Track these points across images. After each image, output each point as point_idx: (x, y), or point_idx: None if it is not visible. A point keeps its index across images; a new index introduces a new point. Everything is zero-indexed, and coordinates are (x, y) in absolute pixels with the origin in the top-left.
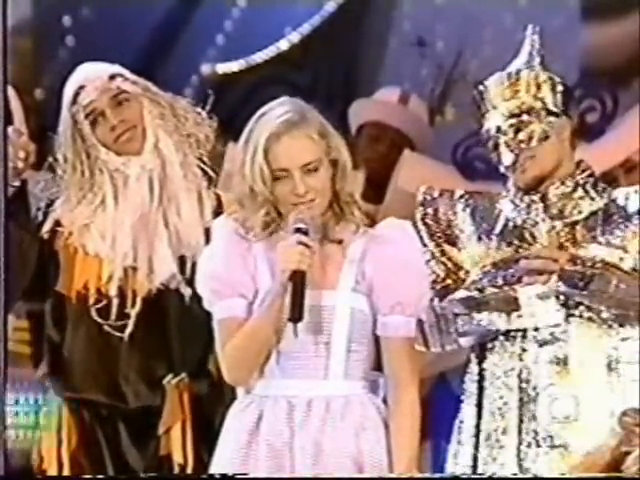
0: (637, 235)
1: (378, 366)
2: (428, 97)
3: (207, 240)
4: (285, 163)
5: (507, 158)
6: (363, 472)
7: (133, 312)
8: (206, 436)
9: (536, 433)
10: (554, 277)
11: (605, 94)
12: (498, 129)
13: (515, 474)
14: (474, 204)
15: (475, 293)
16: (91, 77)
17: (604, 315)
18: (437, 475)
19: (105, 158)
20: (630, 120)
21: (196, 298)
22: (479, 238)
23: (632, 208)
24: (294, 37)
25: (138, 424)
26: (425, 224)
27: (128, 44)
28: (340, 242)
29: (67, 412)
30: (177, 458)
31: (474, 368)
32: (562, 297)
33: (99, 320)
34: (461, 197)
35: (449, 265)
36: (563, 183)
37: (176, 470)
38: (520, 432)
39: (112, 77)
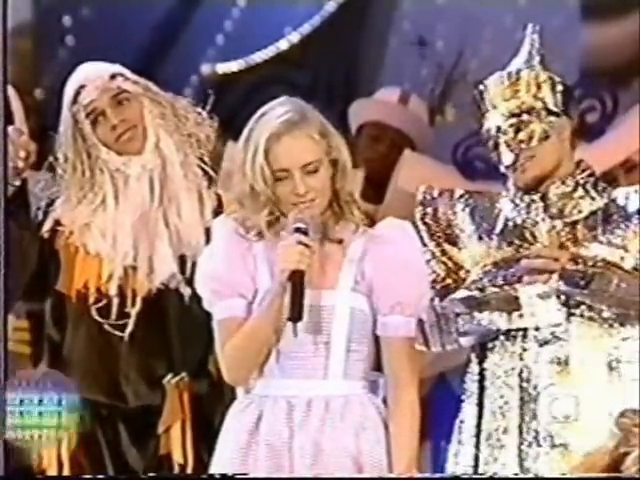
0: (637, 234)
1: (378, 366)
2: (428, 97)
3: (207, 240)
4: (286, 163)
5: (507, 158)
6: (363, 472)
7: (133, 311)
8: (206, 436)
9: (537, 433)
10: (555, 276)
11: (605, 94)
12: (498, 129)
13: (516, 474)
14: (474, 204)
15: (476, 292)
16: (92, 76)
17: (605, 314)
18: (437, 475)
19: (106, 158)
20: (630, 120)
21: (196, 298)
22: (479, 237)
23: (632, 208)
24: (294, 37)
25: (138, 424)
26: (425, 224)
27: (128, 44)
28: (340, 242)
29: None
30: (177, 457)
31: (475, 368)
32: (563, 296)
33: (99, 319)
34: (461, 197)
35: (449, 265)
36: (563, 183)
37: (176, 469)
38: (521, 432)
39: (113, 77)
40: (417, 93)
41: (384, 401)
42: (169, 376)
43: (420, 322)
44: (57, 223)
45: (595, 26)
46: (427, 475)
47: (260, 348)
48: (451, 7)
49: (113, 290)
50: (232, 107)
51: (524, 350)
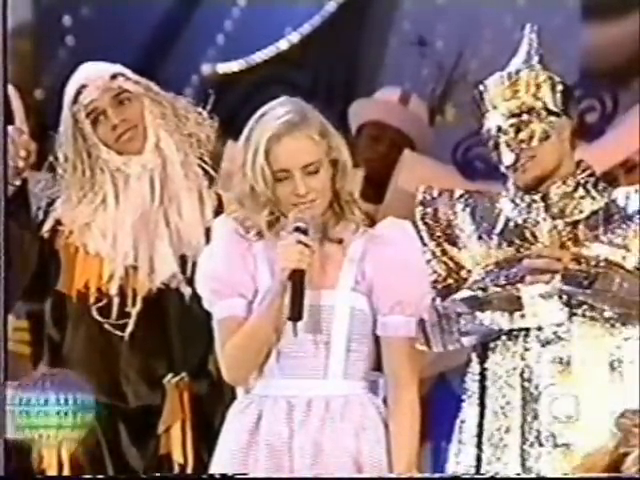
0: (638, 234)
1: (378, 366)
2: (428, 97)
3: (208, 240)
4: (286, 164)
5: (508, 158)
6: (363, 472)
7: (134, 311)
8: (206, 436)
9: (539, 432)
10: (558, 276)
11: (605, 94)
12: (499, 129)
13: (518, 474)
14: (474, 204)
15: (478, 292)
16: (92, 76)
17: (607, 314)
18: (437, 475)
19: (106, 157)
20: (630, 120)
21: (196, 298)
22: (479, 237)
23: (633, 208)
24: (294, 37)
25: (138, 423)
26: (425, 224)
27: (128, 44)
28: (340, 241)
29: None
30: (177, 457)
31: (476, 367)
32: (565, 296)
33: (100, 319)
34: (460, 197)
35: (450, 265)
36: (564, 182)
37: (176, 469)
38: (523, 431)
39: (113, 76)
40: (417, 93)
41: (384, 401)
42: (169, 376)
43: (421, 322)
44: (57, 223)
45: (595, 26)
46: (427, 475)
47: (260, 348)
48: (451, 7)
49: (113, 290)
50: (232, 107)
51: (526, 350)
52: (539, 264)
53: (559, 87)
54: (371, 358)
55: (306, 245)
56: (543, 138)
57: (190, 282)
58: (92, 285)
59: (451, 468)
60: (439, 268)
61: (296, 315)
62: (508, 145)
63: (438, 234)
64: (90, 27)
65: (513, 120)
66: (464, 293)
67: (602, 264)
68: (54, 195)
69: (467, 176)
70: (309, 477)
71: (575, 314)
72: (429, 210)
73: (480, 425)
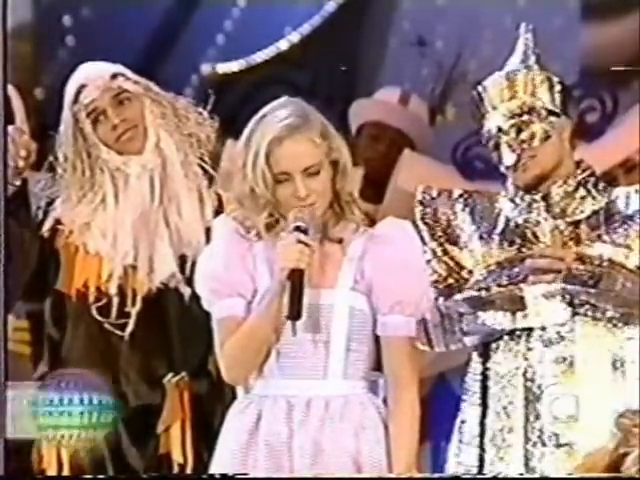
0: (639, 234)
1: (378, 366)
2: (428, 97)
3: (208, 239)
4: (287, 167)
5: (509, 158)
6: (362, 472)
7: (133, 311)
8: (206, 435)
9: (542, 432)
10: (560, 276)
11: (605, 94)
12: (499, 129)
13: (521, 474)
14: (473, 204)
15: (481, 292)
16: (93, 76)
17: (609, 314)
18: (437, 475)
19: (106, 157)
20: (630, 120)
21: (196, 297)
22: (480, 237)
23: (633, 207)
24: (294, 37)
25: (138, 423)
26: (425, 223)
27: (128, 44)
28: (340, 241)
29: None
30: (176, 457)
31: (477, 367)
32: (567, 296)
33: (99, 319)
34: (460, 196)
35: (451, 264)
36: (565, 182)
37: (175, 469)
38: (526, 431)
39: (114, 76)
40: (417, 93)
41: (384, 401)
42: (169, 376)
43: (423, 322)
44: (57, 222)
45: (595, 26)
46: (427, 475)
47: (259, 347)
48: (451, 7)
49: (113, 289)
50: (232, 107)
51: (528, 350)
52: (542, 264)
53: (557, 87)
54: (371, 358)
55: (306, 244)
56: (544, 138)
57: (190, 282)
58: (92, 284)
59: (451, 468)
60: (440, 268)
61: (295, 314)
62: (509, 145)
63: (439, 234)
64: (90, 27)
65: (513, 120)
66: (467, 293)
67: (605, 264)
68: (54, 195)
69: (467, 176)
70: (309, 477)
71: (577, 314)
72: (429, 210)
73: (482, 425)
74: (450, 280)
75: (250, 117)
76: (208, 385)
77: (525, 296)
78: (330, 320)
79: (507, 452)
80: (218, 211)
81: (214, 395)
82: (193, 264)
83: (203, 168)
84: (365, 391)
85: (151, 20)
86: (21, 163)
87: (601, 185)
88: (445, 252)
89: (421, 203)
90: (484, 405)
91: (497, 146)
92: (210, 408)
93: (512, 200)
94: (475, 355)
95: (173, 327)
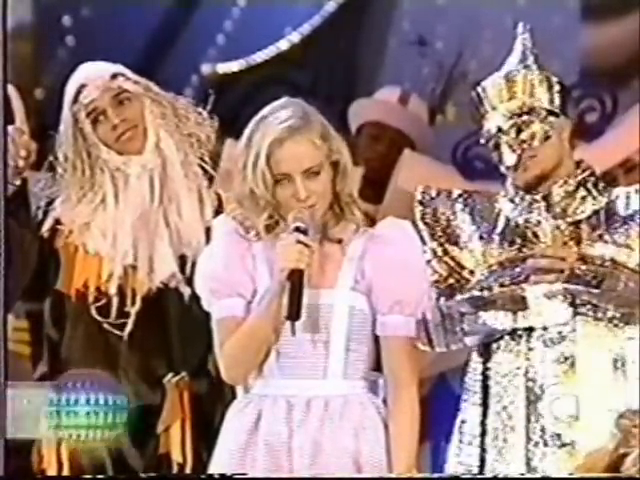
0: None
1: (378, 366)
2: (429, 96)
3: (208, 239)
4: (287, 168)
5: (510, 158)
6: (362, 472)
7: (133, 311)
8: (205, 435)
9: (543, 432)
10: (563, 275)
11: (604, 94)
12: (499, 129)
13: (522, 474)
14: (473, 204)
15: (483, 292)
16: (93, 76)
17: (610, 314)
18: (437, 475)
19: (106, 157)
20: (629, 120)
21: (196, 297)
22: (481, 237)
23: (633, 207)
24: (294, 37)
25: (137, 423)
26: (426, 224)
27: (128, 44)
28: (340, 241)
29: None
30: (176, 457)
31: (478, 367)
32: (569, 296)
33: (99, 318)
34: (459, 196)
35: (451, 264)
36: (566, 182)
37: (175, 469)
38: (527, 431)
39: (114, 76)
40: (417, 92)
41: (384, 401)
42: (169, 375)
43: (424, 322)
44: (57, 222)
45: (595, 26)
46: (427, 475)
47: (259, 347)
48: (451, 7)
49: (113, 289)
50: (232, 107)
51: (530, 350)
52: (543, 264)
53: (556, 87)
54: (371, 358)
55: (305, 245)
56: (544, 138)
57: (189, 282)
58: (91, 284)
59: (451, 468)
60: (440, 268)
61: (294, 315)
62: (510, 146)
63: (439, 234)
64: (90, 27)
65: (513, 121)
66: (468, 293)
67: (608, 263)
68: (54, 195)
69: (467, 176)
70: (308, 477)
71: (579, 313)
72: (428, 210)
73: (482, 425)
74: (451, 280)
75: (250, 117)
76: (208, 385)
77: (527, 296)
78: (330, 320)
79: (508, 452)
80: (218, 211)
81: (214, 395)
82: (193, 264)
83: (203, 168)
84: (365, 391)
85: (151, 20)
86: (21, 163)
87: (601, 185)
88: (445, 252)
89: (421, 203)
90: (485, 405)
91: (497, 146)
92: (210, 408)
93: (512, 200)
94: (475, 355)
95: (173, 327)
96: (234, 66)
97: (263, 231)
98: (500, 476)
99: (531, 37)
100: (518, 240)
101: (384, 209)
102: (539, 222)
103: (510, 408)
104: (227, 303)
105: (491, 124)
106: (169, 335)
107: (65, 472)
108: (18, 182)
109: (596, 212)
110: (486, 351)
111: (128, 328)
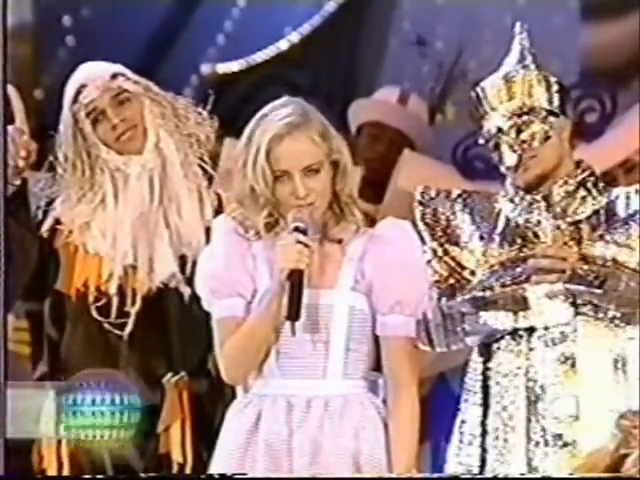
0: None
1: (378, 366)
2: (428, 96)
3: (208, 239)
4: (286, 165)
5: (510, 159)
6: (362, 472)
7: (133, 310)
8: (205, 435)
9: (544, 432)
10: (564, 276)
11: (604, 94)
12: (499, 129)
13: (523, 474)
14: (472, 204)
15: (484, 292)
16: (92, 76)
17: (610, 314)
18: (437, 475)
19: (106, 157)
20: (629, 120)
21: (196, 297)
22: (480, 237)
23: (633, 207)
24: (294, 37)
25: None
26: (426, 224)
27: (128, 44)
28: (340, 241)
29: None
30: (176, 457)
31: (478, 367)
32: (570, 296)
33: (99, 318)
34: (459, 196)
35: (452, 264)
36: (566, 182)
37: (175, 469)
38: (528, 431)
39: (114, 76)
40: (417, 92)
41: (384, 401)
42: (169, 375)
43: (425, 322)
44: (57, 222)
45: (595, 26)
46: (427, 475)
47: (259, 347)
48: (451, 7)
49: (113, 289)
50: (232, 107)
51: (530, 350)
52: (545, 264)
53: (555, 87)
54: (370, 358)
55: (305, 245)
56: (544, 138)
57: (189, 282)
58: (91, 284)
59: (451, 468)
60: (441, 268)
61: (294, 315)
62: (510, 146)
63: (439, 234)
64: (90, 27)
65: (513, 121)
66: (469, 294)
67: (609, 264)
68: (54, 195)
69: (467, 176)
70: (308, 477)
71: (579, 313)
72: (428, 210)
73: (483, 425)
74: (451, 280)
75: (250, 117)
76: (208, 385)
77: (528, 296)
78: (330, 320)
79: (509, 452)
80: (218, 211)
81: (214, 395)
82: (193, 264)
83: (203, 168)
84: (365, 391)
85: (151, 20)
86: (21, 163)
87: (601, 185)
88: (446, 252)
89: (420, 203)
90: (485, 405)
91: (497, 146)
92: (210, 408)
93: (512, 200)
94: (475, 355)
95: (173, 327)
96: (234, 66)
97: (263, 229)
98: (500, 476)
99: (529, 37)
100: (518, 240)
101: (384, 209)
102: (539, 222)
103: (510, 408)
104: (227, 303)
105: (491, 124)
106: (169, 335)
107: (65, 472)
108: (18, 182)
109: (596, 212)
110: (487, 351)
111: (128, 328)
